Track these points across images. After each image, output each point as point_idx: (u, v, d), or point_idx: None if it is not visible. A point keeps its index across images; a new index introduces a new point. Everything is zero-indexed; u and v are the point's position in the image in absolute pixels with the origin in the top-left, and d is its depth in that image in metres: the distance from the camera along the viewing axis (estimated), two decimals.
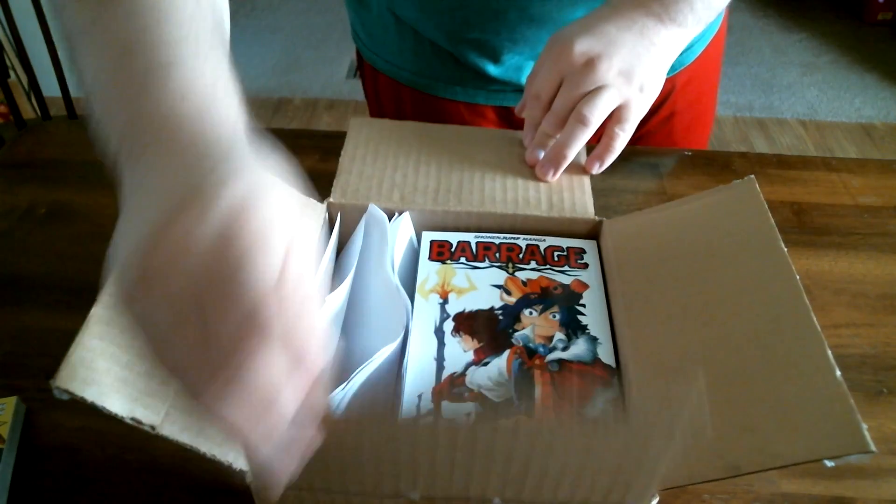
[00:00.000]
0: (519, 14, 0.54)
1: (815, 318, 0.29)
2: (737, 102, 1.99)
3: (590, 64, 0.44)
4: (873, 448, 0.24)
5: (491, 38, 0.56)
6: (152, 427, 0.26)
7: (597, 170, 0.47)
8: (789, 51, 2.22)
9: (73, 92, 1.14)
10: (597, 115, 0.44)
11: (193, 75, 0.25)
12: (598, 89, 0.44)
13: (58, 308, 0.46)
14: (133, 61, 0.25)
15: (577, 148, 0.45)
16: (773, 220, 0.34)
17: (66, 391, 0.25)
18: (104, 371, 0.26)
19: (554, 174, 0.45)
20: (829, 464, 0.25)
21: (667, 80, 0.46)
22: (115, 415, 0.26)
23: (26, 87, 1.23)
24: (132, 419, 0.26)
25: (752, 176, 0.36)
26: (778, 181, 0.59)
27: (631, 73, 0.44)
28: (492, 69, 0.58)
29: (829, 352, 0.27)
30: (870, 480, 0.39)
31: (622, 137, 0.46)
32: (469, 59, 0.58)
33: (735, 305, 0.33)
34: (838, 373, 0.27)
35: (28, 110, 1.40)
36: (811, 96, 2.03)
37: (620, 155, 0.49)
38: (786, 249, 0.33)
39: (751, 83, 2.07)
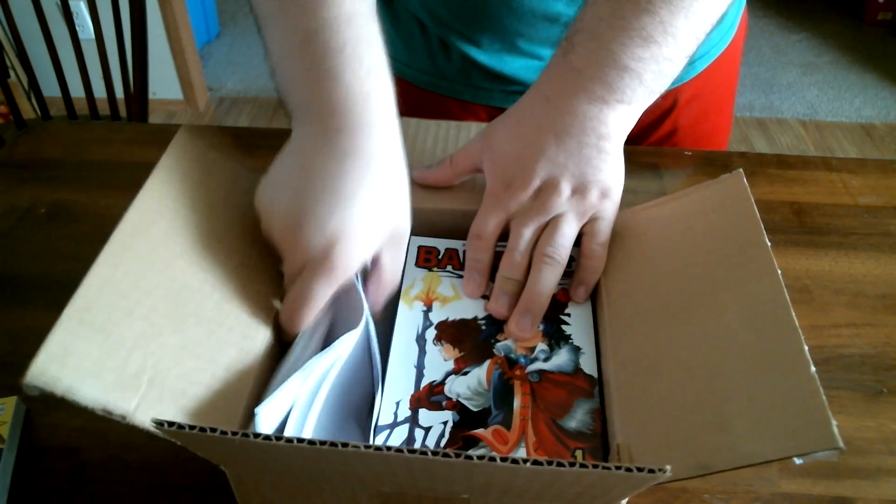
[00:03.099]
0: (497, 1, 0.53)
1: (793, 313, 0.29)
2: (737, 102, 1.98)
3: (538, 198, 0.39)
4: (841, 445, 0.24)
5: (470, 23, 0.56)
6: (123, 417, 0.27)
7: (584, 297, 0.39)
8: (789, 51, 2.22)
9: (73, 92, 1.14)
10: (563, 252, 0.39)
11: (352, 91, 0.34)
12: (554, 221, 0.39)
13: (58, 308, 0.46)
14: (305, 63, 0.35)
15: (551, 291, 0.38)
16: (758, 215, 0.34)
17: (36, 387, 0.25)
18: (74, 367, 0.27)
19: (533, 328, 0.38)
20: (798, 461, 0.25)
21: (667, 93, 0.41)
22: (87, 406, 0.26)
23: (26, 87, 1.23)
24: (103, 410, 0.26)
25: (741, 170, 0.36)
26: (778, 181, 0.59)
27: (586, 188, 0.39)
28: (476, 54, 0.58)
29: (806, 348, 0.27)
30: (870, 480, 0.39)
31: (601, 252, 0.40)
32: (453, 41, 0.58)
33: (715, 302, 0.33)
34: (813, 369, 0.27)
35: (28, 110, 1.40)
36: (811, 96, 2.03)
37: None
38: (770, 244, 0.32)
39: (751, 83, 2.07)
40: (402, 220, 0.37)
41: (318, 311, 0.34)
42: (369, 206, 0.34)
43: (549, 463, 0.22)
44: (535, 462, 0.22)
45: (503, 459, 0.22)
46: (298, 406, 0.32)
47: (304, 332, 0.35)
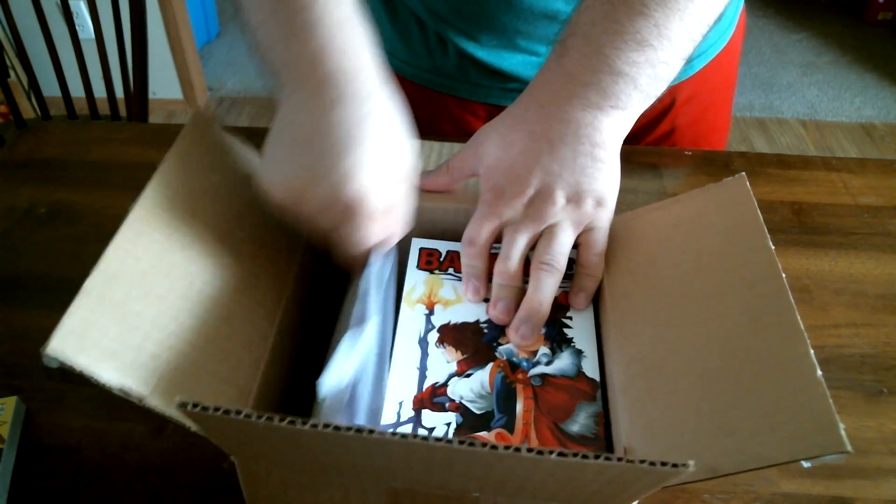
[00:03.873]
0: None
1: (798, 317, 0.29)
2: (737, 102, 1.99)
3: (532, 206, 0.38)
4: (849, 448, 0.24)
5: (469, 19, 0.56)
6: (140, 399, 0.27)
7: (584, 304, 0.39)
8: (789, 51, 2.22)
9: (73, 92, 1.14)
10: (561, 259, 0.38)
11: (327, 40, 0.34)
12: (550, 230, 0.38)
13: (58, 308, 0.46)
14: (280, 23, 0.35)
15: (551, 298, 0.38)
16: (761, 218, 0.34)
17: (56, 359, 0.25)
18: (94, 341, 0.27)
19: (533, 335, 0.37)
20: (805, 464, 0.25)
21: (665, 92, 0.40)
22: (105, 384, 0.26)
23: (26, 86, 1.23)
24: (120, 389, 0.26)
25: (743, 173, 0.36)
26: (778, 181, 0.59)
27: (581, 197, 0.38)
28: (474, 50, 0.57)
29: (812, 351, 0.27)
30: (870, 480, 0.39)
31: (598, 262, 0.39)
32: (451, 38, 0.57)
33: (719, 304, 0.33)
34: (819, 372, 0.27)
35: (28, 110, 1.40)
36: (811, 96, 2.03)
37: (620, 155, 0.49)
38: (773, 247, 0.32)
39: (751, 83, 2.07)
40: (406, 155, 0.36)
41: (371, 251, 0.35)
42: (373, 146, 0.34)
43: (575, 455, 0.22)
44: (561, 454, 0.22)
45: (529, 450, 0.22)
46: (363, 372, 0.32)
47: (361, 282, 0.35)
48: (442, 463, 0.26)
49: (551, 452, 0.22)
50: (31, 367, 0.43)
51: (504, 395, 0.35)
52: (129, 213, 0.31)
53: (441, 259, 0.42)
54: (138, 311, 0.29)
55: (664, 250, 0.38)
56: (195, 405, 0.24)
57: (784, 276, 0.31)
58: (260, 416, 0.23)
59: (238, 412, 0.23)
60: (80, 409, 0.41)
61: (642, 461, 0.22)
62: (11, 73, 1.21)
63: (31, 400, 0.41)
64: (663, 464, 0.22)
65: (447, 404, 0.34)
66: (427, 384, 0.35)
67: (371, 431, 0.23)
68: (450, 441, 0.23)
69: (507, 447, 0.22)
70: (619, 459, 0.22)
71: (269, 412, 0.32)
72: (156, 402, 0.27)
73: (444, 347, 0.37)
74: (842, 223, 0.55)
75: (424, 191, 0.43)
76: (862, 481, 0.39)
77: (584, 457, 0.22)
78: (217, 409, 0.23)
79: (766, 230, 0.33)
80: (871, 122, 1.94)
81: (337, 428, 0.23)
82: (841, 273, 0.51)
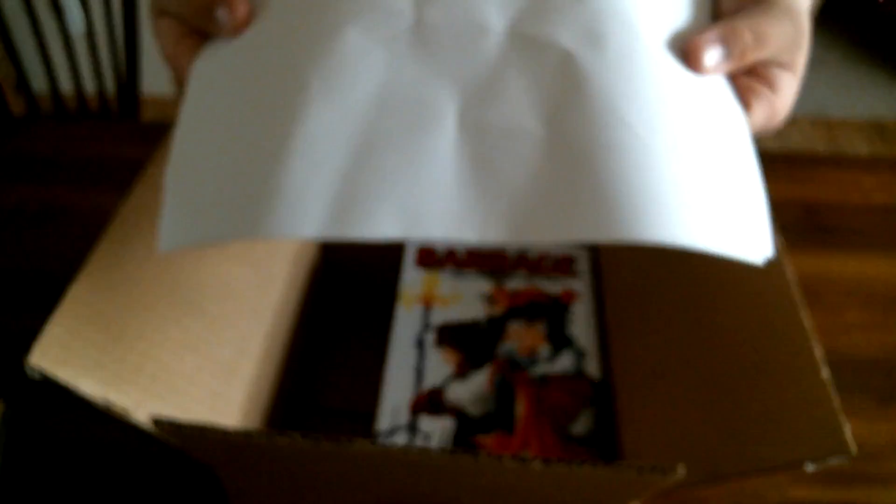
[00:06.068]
0: None
1: (803, 315, 0.28)
2: None
3: None
4: (854, 450, 0.24)
5: None
6: (125, 410, 0.26)
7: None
8: None
9: (63, 89, 1.13)
10: None
11: None
12: None
13: (47, 308, 0.45)
14: None
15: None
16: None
17: (40, 370, 0.25)
18: (78, 352, 0.26)
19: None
20: (810, 467, 0.24)
21: None
22: (88, 398, 0.26)
23: (15, 83, 1.22)
24: (104, 402, 0.26)
25: None
26: (788, 180, 0.58)
27: None
28: None
29: (817, 350, 0.27)
30: (880, 485, 0.39)
31: None
32: None
33: (724, 304, 0.33)
34: (824, 372, 0.26)
35: (17, 107, 1.39)
36: (820, 93, 2.02)
37: None
38: (779, 245, 0.32)
39: None
40: None
41: None
42: None
43: (560, 461, 0.22)
44: (545, 460, 0.22)
45: (511, 457, 0.22)
46: None
47: None
48: (425, 472, 0.25)
49: (534, 459, 0.22)
50: (22, 368, 0.43)
51: (503, 396, 0.34)
52: (115, 217, 0.30)
53: (439, 256, 0.41)
54: (124, 320, 0.28)
55: (666, 249, 0.37)
56: (170, 423, 0.23)
57: (788, 274, 0.30)
58: (237, 432, 0.23)
59: (213, 428, 0.23)
60: (77, 410, 0.41)
61: (629, 466, 0.22)
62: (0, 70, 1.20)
63: (28, 401, 0.41)
64: (652, 469, 0.22)
65: (445, 408, 0.34)
66: (424, 387, 0.35)
67: (350, 441, 0.22)
68: (428, 450, 0.22)
69: (488, 455, 0.22)
70: (606, 465, 0.22)
71: (254, 425, 0.31)
72: (140, 417, 0.27)
73: (442, 348, 0.36)
74: (853, 223, 0.54)
75: None
76: (874, 487, 0.38)
77: (570, 463, 0.22)
78: (193, 427, 0.23)
79: (773, 226, 0.33)
80: (883, 120, 1.93)
81: (316, 440, 0.22)
82: (852, 273, 0.50)
